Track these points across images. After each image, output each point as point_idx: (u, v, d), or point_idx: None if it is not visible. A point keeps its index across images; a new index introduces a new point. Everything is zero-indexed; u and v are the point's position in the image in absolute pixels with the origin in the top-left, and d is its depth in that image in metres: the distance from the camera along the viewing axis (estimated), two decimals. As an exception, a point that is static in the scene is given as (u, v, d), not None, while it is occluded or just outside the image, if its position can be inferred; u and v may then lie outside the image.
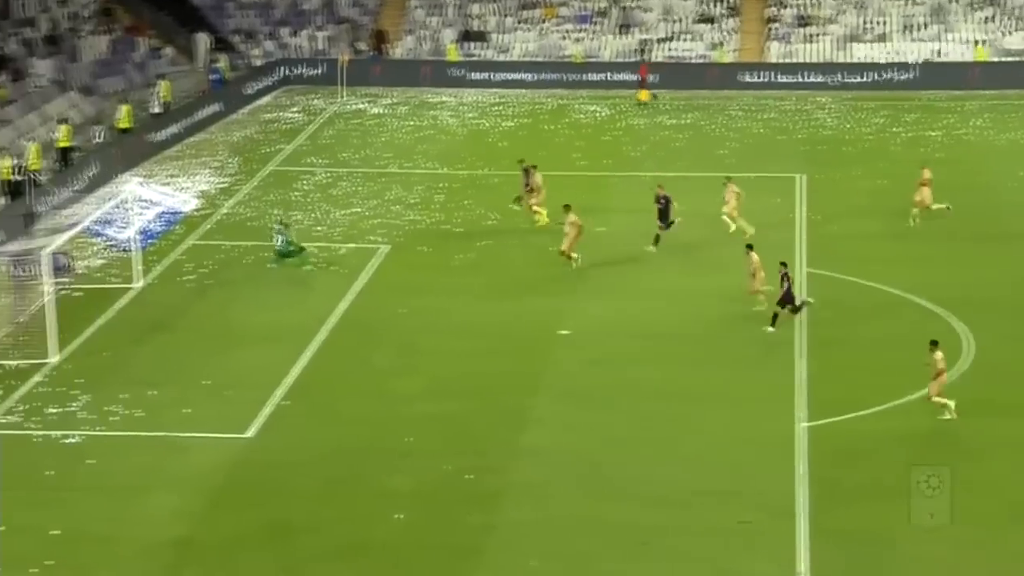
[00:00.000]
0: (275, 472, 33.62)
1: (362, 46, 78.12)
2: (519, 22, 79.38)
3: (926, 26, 77.10)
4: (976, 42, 75.39)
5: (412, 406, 36.97)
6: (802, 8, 78.66)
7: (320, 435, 35.52)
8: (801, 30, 77.47)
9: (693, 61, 76.15)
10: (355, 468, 33.73)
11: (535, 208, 51.05)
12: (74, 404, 37.34)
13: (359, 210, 54.15)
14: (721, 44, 76.71)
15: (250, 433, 35.67)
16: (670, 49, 76.94)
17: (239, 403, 37.18)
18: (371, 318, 43.37)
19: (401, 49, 78.35)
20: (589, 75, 74.84)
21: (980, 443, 34.55)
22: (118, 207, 48.65)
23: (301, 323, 42.57)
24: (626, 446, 34.72)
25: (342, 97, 73.11)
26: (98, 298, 44.94)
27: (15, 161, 53.76)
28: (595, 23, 78.84)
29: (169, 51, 73.19)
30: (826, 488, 32.35)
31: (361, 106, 71.86)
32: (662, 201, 48.65)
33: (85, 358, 40.39)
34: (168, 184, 57.72)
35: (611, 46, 77.48)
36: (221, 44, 74.93)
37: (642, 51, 76.30)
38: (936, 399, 35.43)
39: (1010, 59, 74.75)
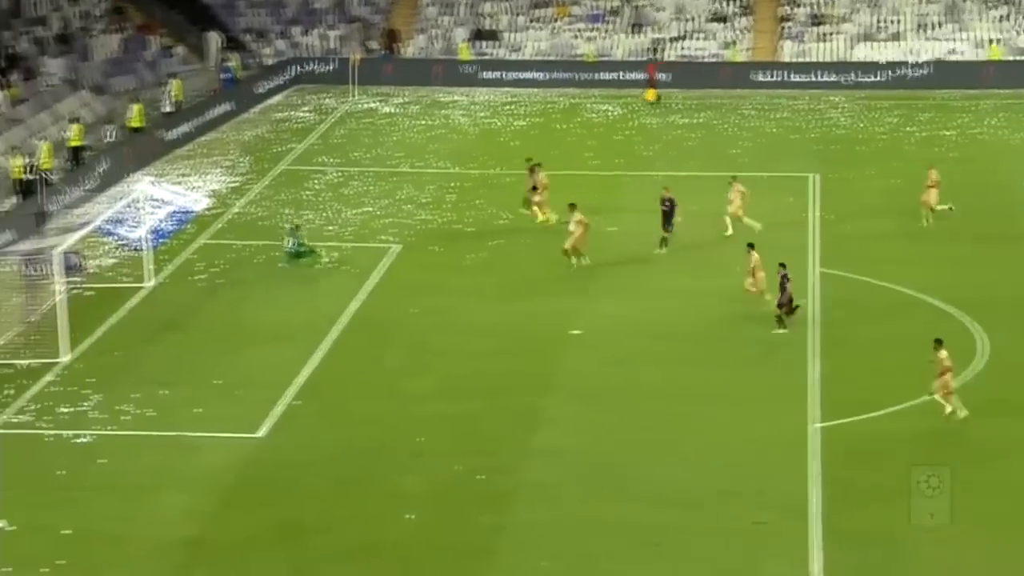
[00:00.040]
0: (286, 472, 33.55)
1: (374, 45, 78.02)
2: (531, 21, 79.24)
3: (940, 25, 76.87)
4: (990, 41, 75.13)
5: (423, 406, 36.88)
6: (815, 7, 78.44)
7: (331, 435, 35.45)
8: (814, 29, 77.27)
9: (706, 60, 75.99)
10: (366, 468, 33.65)
11: (535, 204, 50.76)
12: (85, 404, 37.30)
13: (370, 209, 54.06)
14: (734, 43, 76.53)
15: (261, 433, 35.61)
16: (683, 48, 76.79)
17: (250, 403, 37.13)
18: (382, 318, 43.28)
19: (413, 48, 78.25)
20: (601, 74, 74.65)
21: (995, 443, 34.39)
22: (129, 206, 48.64)
23: (312, 323, 42.51)
24: (638, 446, 34.60)
25: (353, 96, 73.02)
26: (109, 297, 44.91)
27: (27, 160, 53.71)
28: (607, 22, 78.68)
29: (181, 50, 73.17)
30: (839, 489, 32.22)
31: (373, 105, 71.77)
32: (667, 204, 48.37)
33: (96, 357, 40.37)
34: (179, 183, 57.70)
35: (623, 45, 77.32)
36: (232, 43, 74.88)
37: (653, 50, 76.17)
38: (937, 397, 35.28)
39: (1024, 58, 74.65)
